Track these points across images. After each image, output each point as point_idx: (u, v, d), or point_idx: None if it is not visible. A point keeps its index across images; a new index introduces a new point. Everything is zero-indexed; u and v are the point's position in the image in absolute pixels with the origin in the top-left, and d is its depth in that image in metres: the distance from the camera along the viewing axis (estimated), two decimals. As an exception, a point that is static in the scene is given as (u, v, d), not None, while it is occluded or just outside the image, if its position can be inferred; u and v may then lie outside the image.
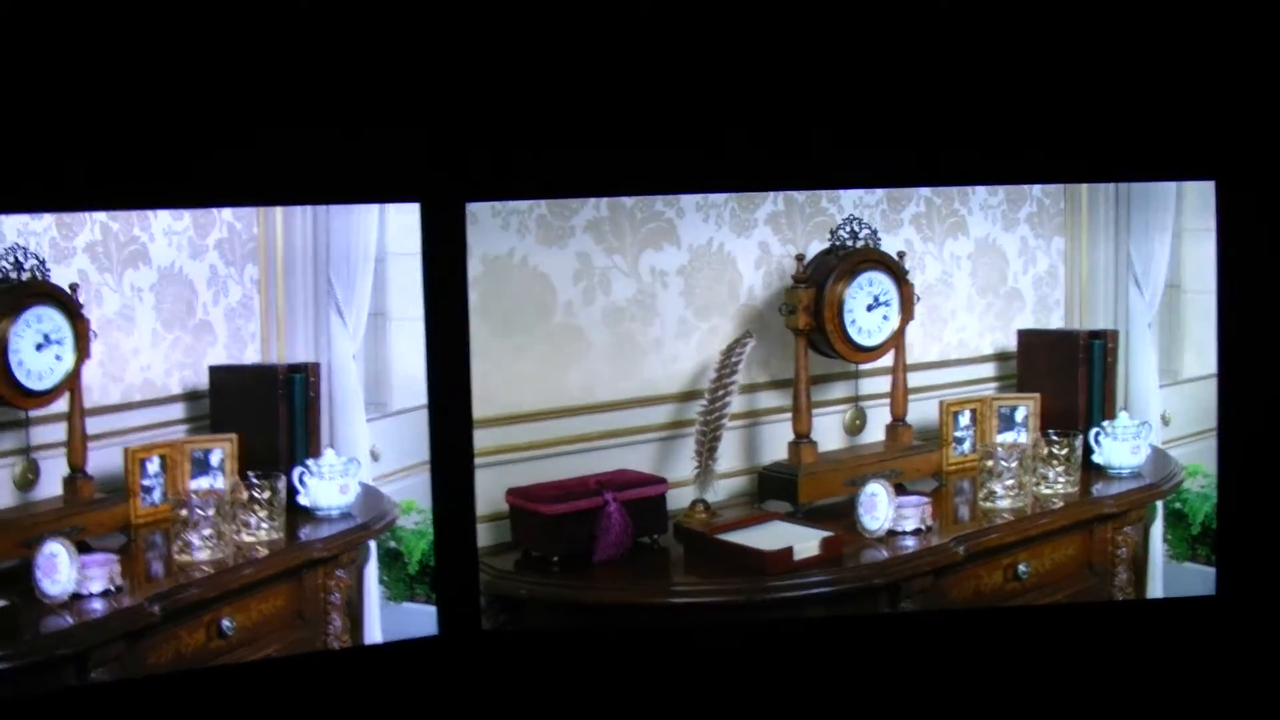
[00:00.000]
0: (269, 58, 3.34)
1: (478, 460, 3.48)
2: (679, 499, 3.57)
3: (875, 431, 3.82)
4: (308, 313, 3.64)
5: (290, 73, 3.36)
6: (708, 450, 3.54)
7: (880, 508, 3.51)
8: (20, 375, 3.17)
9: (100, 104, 3.23)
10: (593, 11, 3.46)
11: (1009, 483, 3.64)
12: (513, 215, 3.48)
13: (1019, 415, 3.81)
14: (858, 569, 3.41)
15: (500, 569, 3.47)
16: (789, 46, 3.51)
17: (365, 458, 3.61)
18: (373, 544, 3.55)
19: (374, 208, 3.52)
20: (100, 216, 3.33)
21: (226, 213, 3.50)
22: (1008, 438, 3.78)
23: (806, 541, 3.40)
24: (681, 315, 3.64)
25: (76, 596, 3.10)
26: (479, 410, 3.48)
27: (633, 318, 3.61)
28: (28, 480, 3.30)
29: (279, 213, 3.55)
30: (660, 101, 3.50)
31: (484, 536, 3.50)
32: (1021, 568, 3.59)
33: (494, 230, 3.48)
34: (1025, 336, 3.94)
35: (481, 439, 3.48)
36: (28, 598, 3.09)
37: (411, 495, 3.56)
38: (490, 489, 3.49)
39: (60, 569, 3.10)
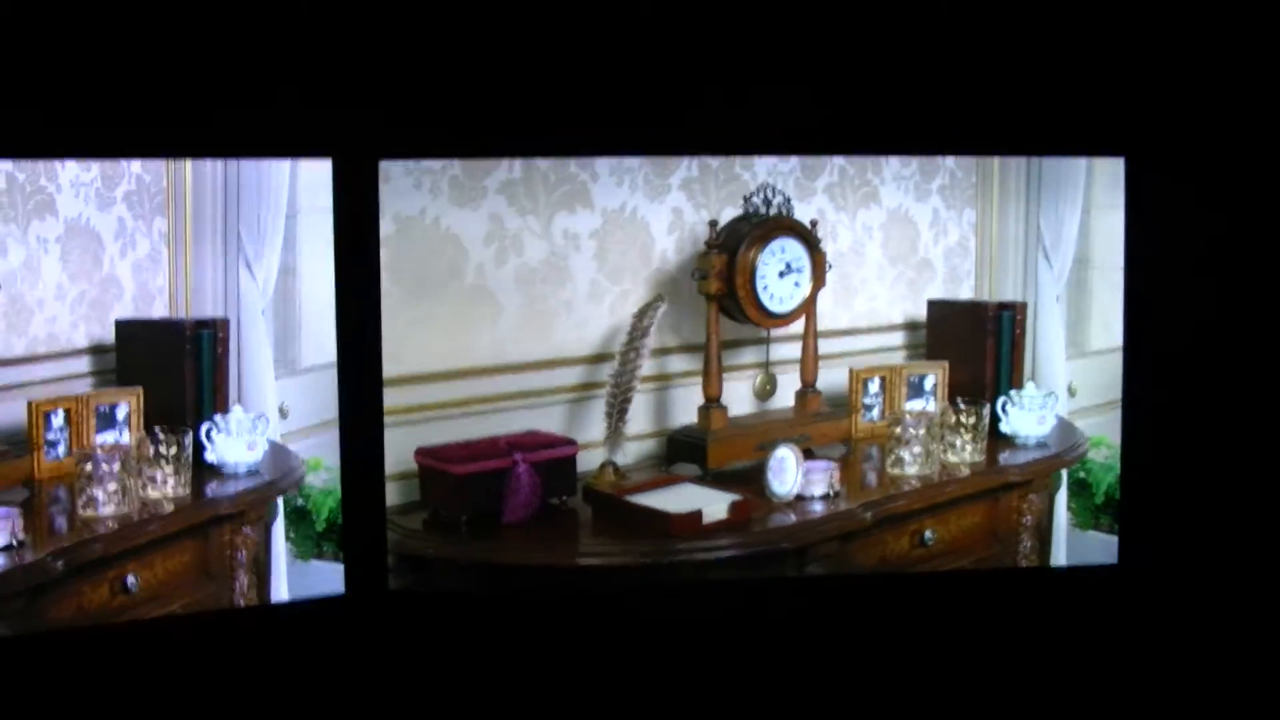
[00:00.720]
0: (182, 7, 3.32)
1: (387, 419, 3.48)
2: (588, 461, 3.61)
3: (785, 397, 3.86)
4: (217, 267, 3.58)
5: (204, 23, 3.34)
6: (618, 413, 3.57)
7: (789, 473, 3.55)
8: None
9: (5, 49, 3.21)
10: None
11: (917, 450, 3.70)
12: (425, 175, 3.49)
13: (928, 384, 3.86)
14: (765, 533, 3.45)
15: (408, 528, 3.48)
16: (704, 10, 3.54)
17: (274, 414, 3.59)
18: (280, 501, 3.53)
19: (285, 163, 3.49)
20: (5, 165, 3.26)
21: (135, 165, 3.45)
22: (916, 406, 3.83)
23: (715, 505, 3.44)
24: (594, 278, 3.67)
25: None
26: (389, 369, 3.48)
27: (544, 280, 3.63)
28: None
29: (188, 166, 3.50)
30: (578, 63, 3.52)
31: (393, 495, 3.50)
32: (927, 534, 3.64)
33: (406, 189, 3.48)
34: (935, 306, 3.98)
35: (391, 398, 3.49)
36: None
37: (320, 453, 3.54)
38: (399, 448, 3.49)
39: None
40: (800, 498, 3.55)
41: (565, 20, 3.50)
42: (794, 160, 3.76)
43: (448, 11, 3.47)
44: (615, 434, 3.58)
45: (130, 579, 3.26)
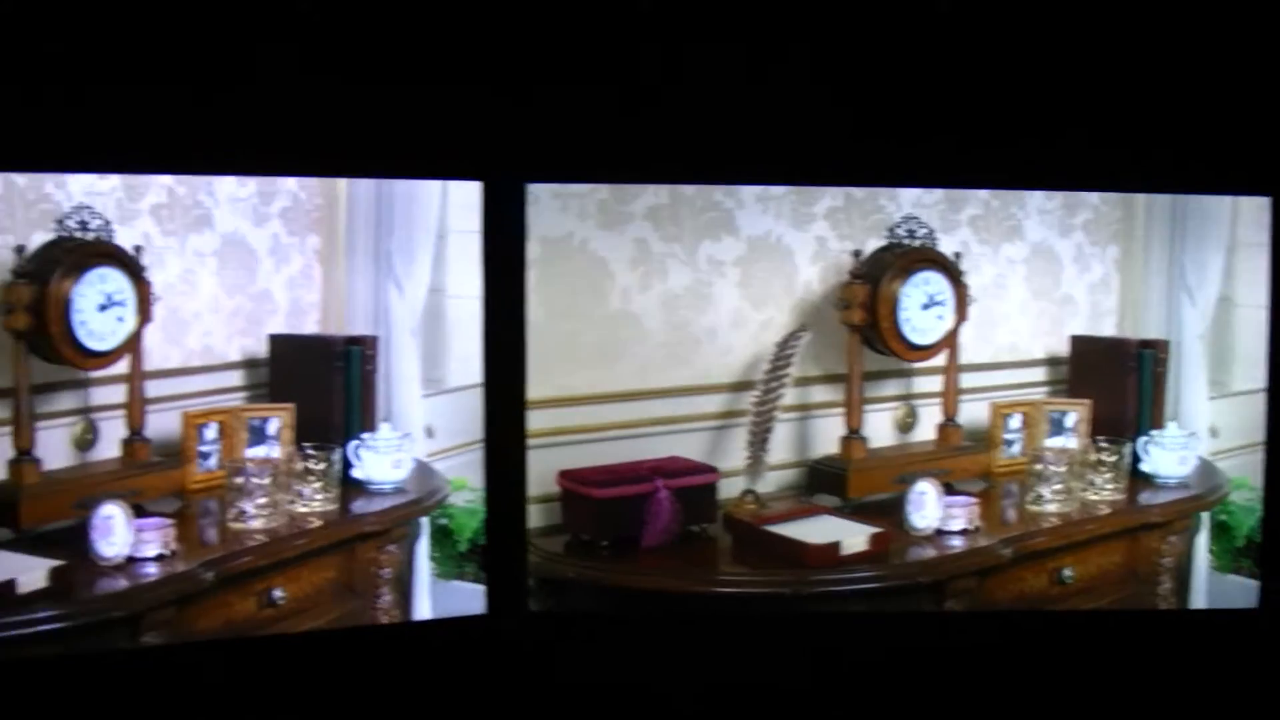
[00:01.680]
0: (338, 30, 3.43)
1: (530, 441, 3.55)
2: (729, 489, 3.64)
3: (926, 430, 3.88)
4: (367, 285, 3.70)
5: (360, 46, 3.44)
6: (759, 441, 3.60)
7: (929, 506, 3.58)
8: (82, 335, 3.27)
9: (166, 66, 3.32)
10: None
11: (1057, 487, 3.71)
12: (573, 198, 3.56)
13: (1069, 420, 3.85)
14: (904, 566, 3.48)
15: (549, 551, 3.55)
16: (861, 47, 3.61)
17: (419, 433, 3.69)
18: (424, 520, 3.63)
19: (436, 184, 3.59)
20: (166, 180, 3.40)
21: (290, 182, 3.58)
22: (1057, 442, 3.83)
23: (854, 536, 3.48)
24: (737, 305, 3.70)
25: (130, 559, 3.20)
26: (533, 391, 3.55)
27: (688, 306, 3.67)
28: (86, 441, 3.42)
29: (342, 184, 3.62)
30: (721, 89, 3.58)
31: (534, 518, 3.58)
32: (1066, 572, 3.65)
33: (554, 212, 3.55)
34: (1077, 343, 3.96)
35: (535, 420, 3.56)
36: (83, 559, 3.18)
37: (464, 473, 3.62)
38: (542, 470, 3.57)
39: (116, 531, 3.19)
40: (939, 532, 3.58)
41: (706, 49, 3.55)
42: (939, 193, 3.77)
43: (595, 39, 3.55)
44: (756, 462, 3.62)
45: (277, 592, 3.37)
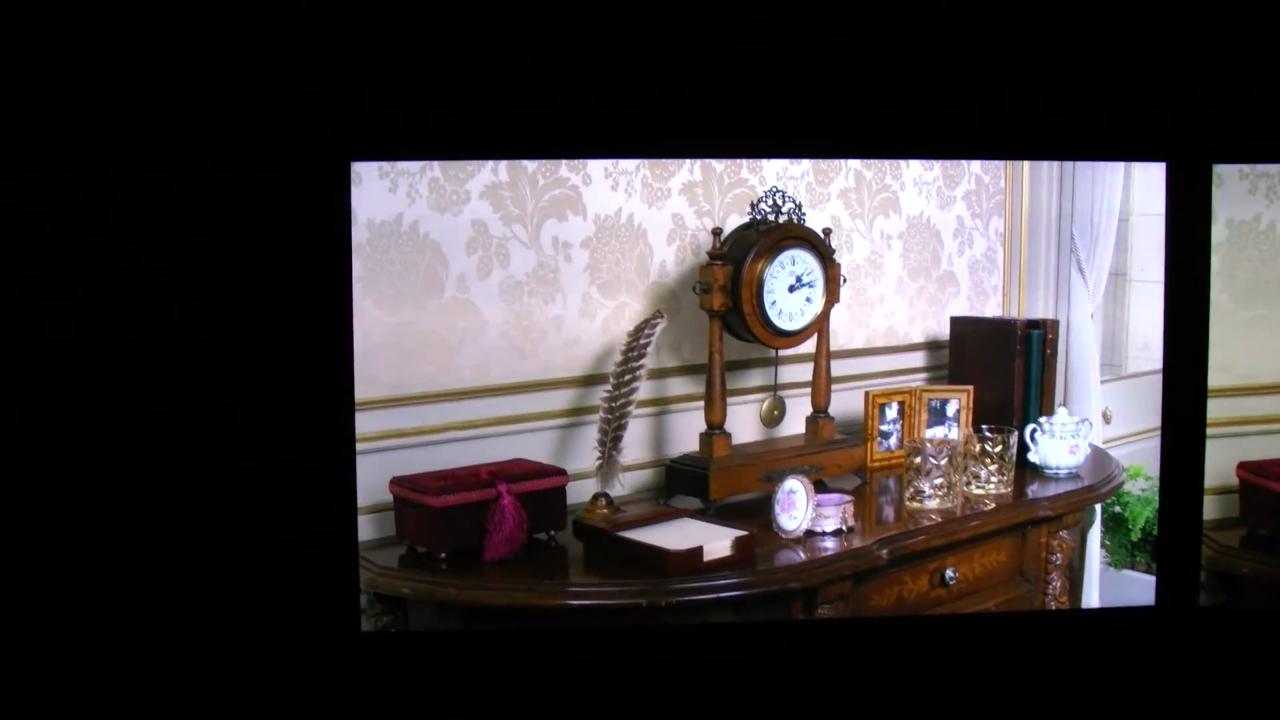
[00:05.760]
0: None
1: (1210, 430, 3.57)
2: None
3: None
4: (1049, 269, 4.09)
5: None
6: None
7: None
8: (773, 315, 3.62)
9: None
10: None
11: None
12: (1261, 179, 3.56)
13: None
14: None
15: (1225, 545, 3.58)
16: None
17: (1097, 419, 4.03)
18: (1098, 507, 3.91)
19: (1120, 166, 3.89)
20: (854, 164, 3.82)
21: (975, 165, 3.97)
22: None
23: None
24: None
25: (810, 533, 3.48)
26: (1214, 379, 3.56)
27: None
28: (774, 417, 3.82)
29: (1025, 168, 4.01)
30: None
31: (1210, 509, 3.59)
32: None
33: (1240, 194, 3.55)
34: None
35: (1215, 409, 3.56)
36: (764, 530, 3.48)
37: (1140, 461, 3.89)
38: (1221, 461, 3.58)
39: (798, 505, 3.48)
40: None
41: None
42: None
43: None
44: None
45: (949, 573, 3.61)
